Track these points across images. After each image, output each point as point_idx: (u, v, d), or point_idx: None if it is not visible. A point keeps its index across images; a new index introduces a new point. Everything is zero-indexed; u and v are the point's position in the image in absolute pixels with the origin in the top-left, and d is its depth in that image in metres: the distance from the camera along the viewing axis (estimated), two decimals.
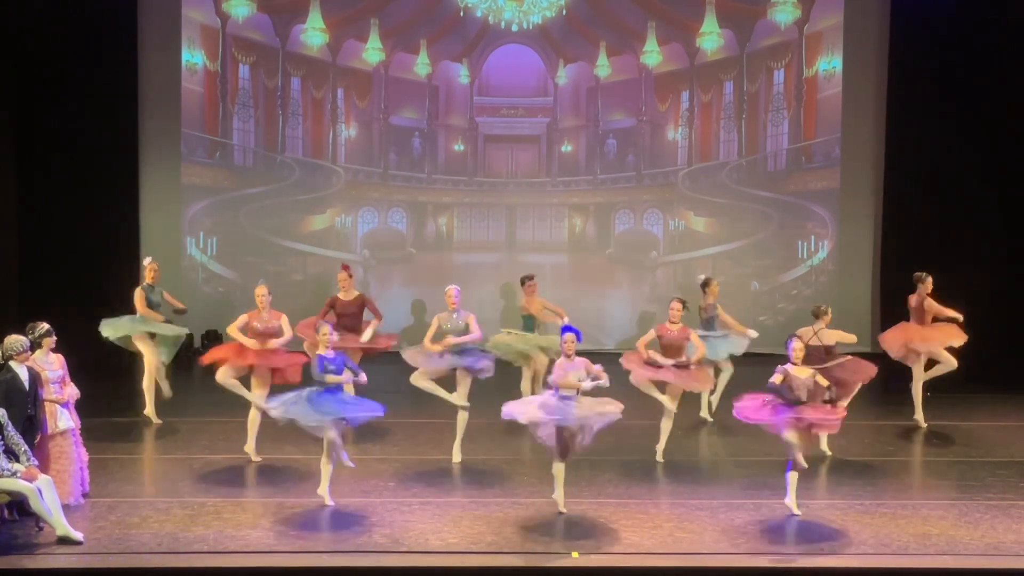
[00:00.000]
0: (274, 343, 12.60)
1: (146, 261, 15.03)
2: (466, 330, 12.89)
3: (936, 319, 14.53)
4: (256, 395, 12.58)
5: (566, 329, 11.40)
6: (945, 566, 9.90)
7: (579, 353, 11.34)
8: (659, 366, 12.76)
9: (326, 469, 11.16)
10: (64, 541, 10.00)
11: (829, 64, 19.63)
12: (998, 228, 18.87)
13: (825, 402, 11.13)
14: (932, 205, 18.93)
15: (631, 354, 13.12)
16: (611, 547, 10.16)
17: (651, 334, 13.07)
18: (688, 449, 13.29)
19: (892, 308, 19.19)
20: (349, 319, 14.00)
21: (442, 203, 20.22)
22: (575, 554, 9.99)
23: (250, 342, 12.66)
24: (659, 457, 12.87)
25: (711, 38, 19.90)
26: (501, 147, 20.22)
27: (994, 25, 18.58)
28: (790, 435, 10.91)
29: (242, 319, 12.90)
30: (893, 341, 14.62)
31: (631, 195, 20.23)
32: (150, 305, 14.79)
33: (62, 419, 10.95)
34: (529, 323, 14.89)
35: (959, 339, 14.37)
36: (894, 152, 19.29)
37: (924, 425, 14.54)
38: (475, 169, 20.19)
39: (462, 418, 12.80)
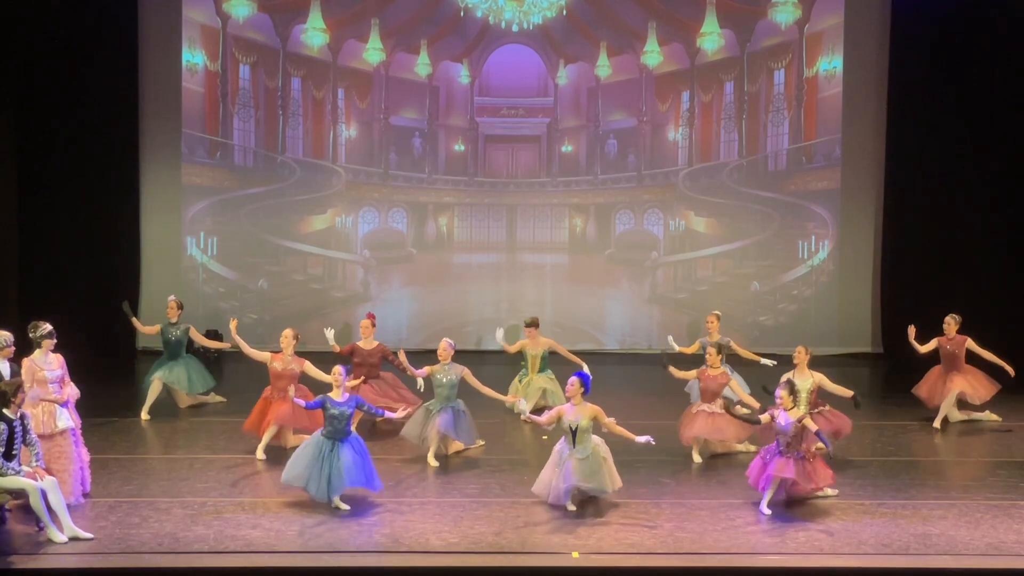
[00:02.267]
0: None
1: (170, 298, 15.17)
2: (456, 384, 12.87)
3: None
4: (267, 435, 12.87)
5: (577, 375, 11.38)
6: (945, 566, 9.89)
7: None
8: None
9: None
10: (58, 541, 10.01)
11: (829, 64, 19.63)
12: (998, 228, 18.86)
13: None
14: (932, 205, 18.93)
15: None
16: (611, 547, 10.15)
17: (692, 373, 13.15)
18: (688, 450, 13.24)
19: (892, 308, 19.28)
20: (367, 369, 13.90)
21: (442, 203, 20.22)
22: (575, 554, 9.98)
23: (261, 356, 12.99)
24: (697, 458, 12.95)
25: (712, 38, 19.90)
26: (501, 147, 20.22)
27: (994, 25, 18.58)
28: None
29: (264, 354, 13.07)
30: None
31: (632, 195, 20.23)
32: (166, 342, 14.88)
33: (61, 419, 10.94)
34: (532, 361, 14.74)
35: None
36: (894, 152, 19.29)
37: (937, 427, 14.56)
38: (475, 169, 20.19)
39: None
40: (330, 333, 13.74)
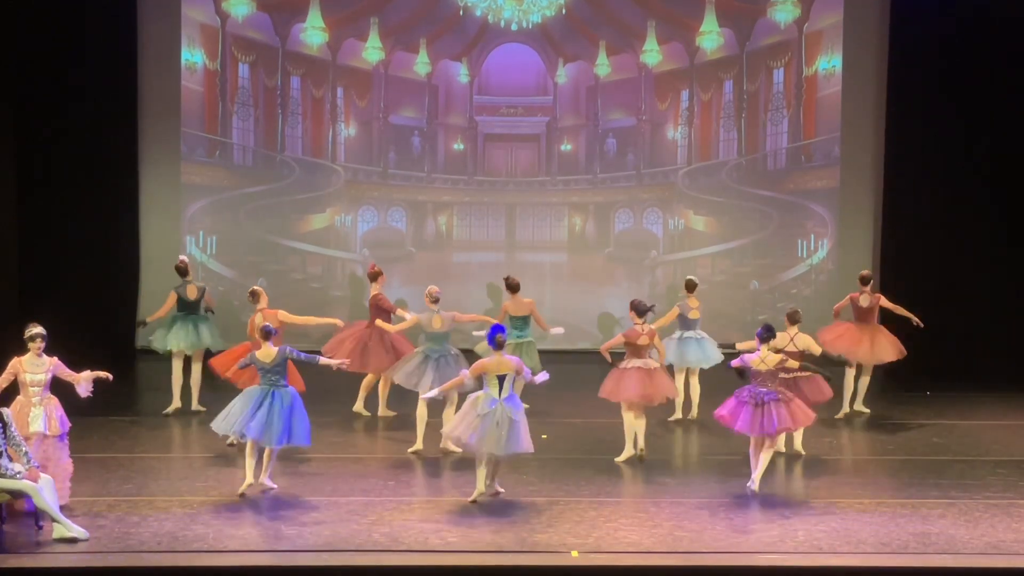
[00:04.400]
0: None
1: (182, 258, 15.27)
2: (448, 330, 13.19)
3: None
4: None
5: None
6: (945, 565, 9.90)
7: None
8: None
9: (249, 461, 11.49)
10: (62, 540, 10.01)
11: (829, 63, 19.63)
12: (998, 227, 18.85)
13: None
14: (932, 204, 18.92)
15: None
16: (611, 547, 10.16)
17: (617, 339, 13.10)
18: (687, 448, 13.28)
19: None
20: (378, 313, 14.69)
21: (442, 202, 20.22)
22: (575, 553, 9.99)
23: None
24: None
25: (711, 37, 19.90)
26: (501, 146, 20.21)
27: (994, 24, 18.56)
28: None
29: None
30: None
31: (631, 194, 20.22)
32: (181, 303, 14.91)
33: (35, 423, 10.71)
34: (518, 324, 14.81)
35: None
36: (894, 151, 19.27)
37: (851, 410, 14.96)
38: (475, 168, 20.19)
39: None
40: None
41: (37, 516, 10.27)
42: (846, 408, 14.80)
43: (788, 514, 11.02)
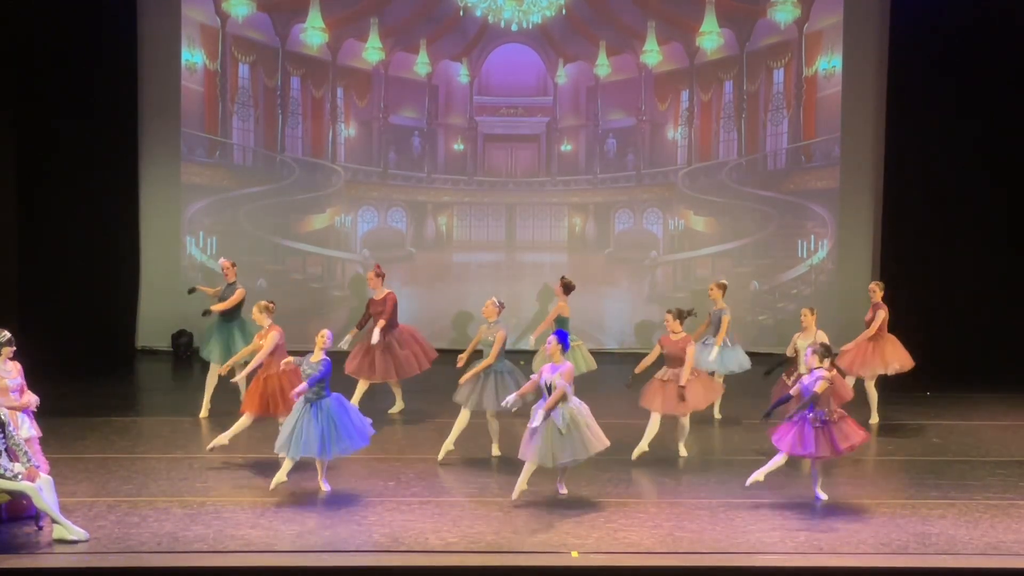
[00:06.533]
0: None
1: (223, 261, 15.17)
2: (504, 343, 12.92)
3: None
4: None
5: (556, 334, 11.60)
6: (944, 565, 9.90)
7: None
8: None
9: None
10: (62, 541, 10.01)
11: (829, 63, 19.63)
12: (998, 227, 18.85)
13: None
14: (932, 204, 18.92)
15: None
16: (610, 547, 10.16)
17: (656, 349, 13.10)
18: (688, 448, 13.26)
19: (892, 307, 19.25)
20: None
21: (442, 202, 20.22)
22: (575, 554, 9.99)
23: (252, 350, 12.93)
24: (682, 452, 13.14)
25: (711, 37, 19.90)
26: (501, 146, 20.21)
27: (994, 24, 18.57)
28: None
29: (251, 348, 13.02)
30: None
31: (631, 194, 20.23)
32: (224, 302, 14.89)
33: (24, 427, 10.64)
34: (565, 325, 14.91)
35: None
36: (894, 152, 19.27)
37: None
38: (475, 168, 20.19)
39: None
40: (347, 339, 14.48)
41: (37, 516, 10.27)
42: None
43: (788, 515, 11.02)
